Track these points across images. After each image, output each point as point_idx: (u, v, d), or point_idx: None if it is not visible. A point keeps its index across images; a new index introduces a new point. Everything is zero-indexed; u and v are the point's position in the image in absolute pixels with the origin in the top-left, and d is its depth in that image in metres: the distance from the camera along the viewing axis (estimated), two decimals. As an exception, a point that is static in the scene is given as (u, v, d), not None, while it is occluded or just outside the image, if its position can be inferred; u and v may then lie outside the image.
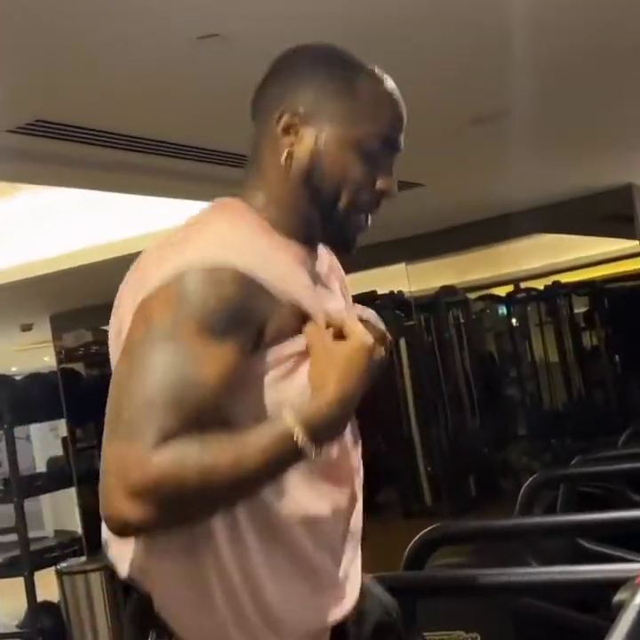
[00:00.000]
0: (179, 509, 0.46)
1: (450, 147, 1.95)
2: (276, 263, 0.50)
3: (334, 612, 0.51)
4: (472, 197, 2.55)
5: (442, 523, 1.02)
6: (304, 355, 0.49)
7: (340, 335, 0.49)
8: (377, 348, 0.50)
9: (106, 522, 0.47)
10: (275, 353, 0.49)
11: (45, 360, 3.82)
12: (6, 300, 2.72)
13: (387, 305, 3.07)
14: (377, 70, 0.54)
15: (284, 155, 0.51)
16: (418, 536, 0.90)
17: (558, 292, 3.56)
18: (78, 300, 2.97)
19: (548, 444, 3.35)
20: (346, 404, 0.48)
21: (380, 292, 3.06)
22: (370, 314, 0.58)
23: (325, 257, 0.58)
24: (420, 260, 3.15)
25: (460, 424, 3.18)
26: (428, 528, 0.91)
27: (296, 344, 0.50)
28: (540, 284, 3.60)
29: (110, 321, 0.54)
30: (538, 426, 3.46)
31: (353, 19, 1.02)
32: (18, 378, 3.02)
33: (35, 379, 3.02)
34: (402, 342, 3.07)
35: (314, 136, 0.51)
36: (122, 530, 0.47)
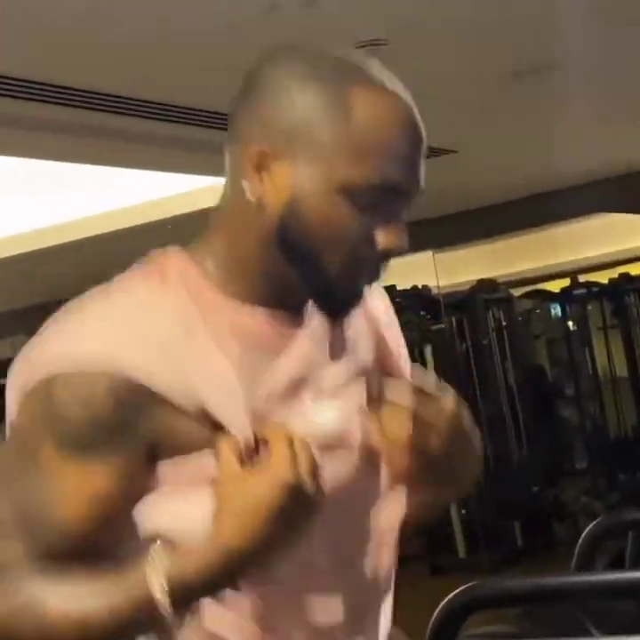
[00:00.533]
0: None
1: (488, 105, 1.96)
2: (186, 352, 0.45)
3: None
4: (515, 168, 2.54)
5: (478, 581, 0.98)
6: (209, 477, 0.45)
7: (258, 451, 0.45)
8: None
9: None
10: (170, 467, 0.46)
11: None
12: None
13: (409, 304, 3.05)
14: (384, 80, 0.46)
15: (253, 203, 0.45)
16: (447, 599, 0.89)
17: (626, 288, 3.51)
18: None
19: (613, 479, 3.34)
20: (239, 559, 0.43)
21: (400, 287, 3.00)
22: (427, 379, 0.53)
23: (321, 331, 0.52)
24: (451, 247, 3.14)
25: (501, 455, 3.13)
26: (461, 588, 0.90)
27: (201, 462, 0.45)
28: (603, 277, 3.55)
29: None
30: (601, 457, 3.42)
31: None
32: None
33: None
34: (427, 350, 3.08)
35: (291, 175, 0.45)
36: None
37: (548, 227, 3.13)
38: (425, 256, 2.93)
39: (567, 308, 3.56)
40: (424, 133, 0.46)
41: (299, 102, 0.45)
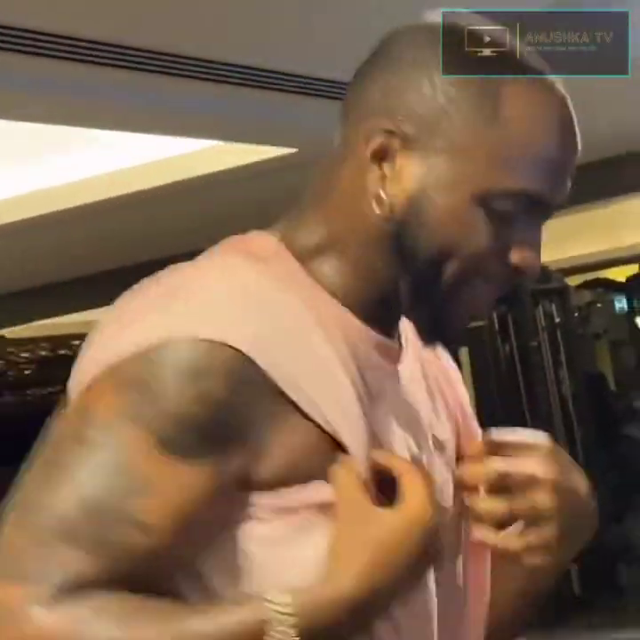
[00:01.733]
0: None
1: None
2: (308, 347, 0.41)
3: None
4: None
5: None
6: (324, 510, 0.41)
7: (391, 491, 0.41)
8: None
9: None
10: (275, 498, 0.40)
11: None
12: None
13: None
14: (542, 70, 0.44)
15: (371, 193, 0.43)
16: None
17: None
18: None
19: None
20: (368, 603, 0.40)
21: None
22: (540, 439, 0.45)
23: (414, 343, 0.50)
24: None
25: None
26: None
27: (315, 491, 0.41)
28: None
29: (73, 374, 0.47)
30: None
31: None
32: None
33: None
34: (463, 353, 2.77)
35: (421, 171, 0.44)
36: None
37: (613, 201, 2.70)
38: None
39: (634, 302, 3.18)
40: (579, 139, 0.45)
41: (442, 87, 0.44)
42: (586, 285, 3.14)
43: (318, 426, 0.40)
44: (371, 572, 0.39)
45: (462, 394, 0.53)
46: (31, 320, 3.62)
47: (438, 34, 0.45)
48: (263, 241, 0.44)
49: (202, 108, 1.96)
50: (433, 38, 0.45)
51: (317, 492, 0.40)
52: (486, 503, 0.44)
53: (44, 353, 3.63)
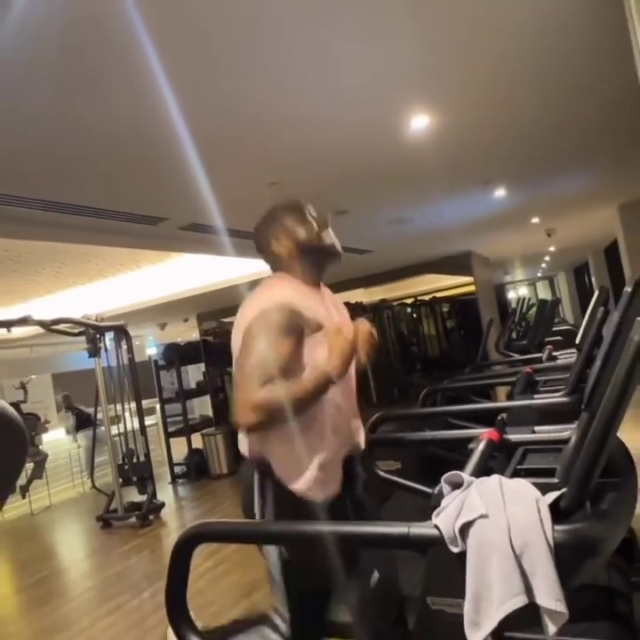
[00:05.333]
0: (275, 416, 1.27)
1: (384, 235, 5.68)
2: (306, 301, 1.40)
3: (352, 442, 1.49)
4: (397, 257, 8.08)
5: (384, 411, 2.21)
6: (321, 342, 1.35)
7: (339, 331, 1.33)
8: (369, 338, 1.41)
9: (241, 428, 1.30)
10: (307, 343, 1.36)
11: (193, 335, 9.80)
12: (176, 307, 7.42)
13: (356, 308, 8.91)
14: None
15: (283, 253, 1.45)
16: (373, 417, 2.12)
17: (435, 301, 9.84)
18: (210, 306, 7.76)
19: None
20: (343, 362, 1.32)
21: (351, 301, 8.78)
22: (364, 322, 1.41)
23: (328, 295, 1.54)
24: (372, 286, 8.95)
25: (389, 363, 9.07)
26: (377, 414, 2.14)
27: (316, 338, 1.37)
28: (426, 297, 9.90)
29: (234, 324, 1.45)
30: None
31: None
32: (181, 343, 8.28)
33: (189, 343, 8.30)
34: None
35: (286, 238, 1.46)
36: (250, 430, 1.31)
37: (406, 278, 9.09)
38: (360, 290, 8.73)
39: (413, 309, 9.77)
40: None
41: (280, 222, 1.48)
42: (399, 305, 9.51)
43: (315, 321, 1.38)
44: (339, 352, 1.33)
45: (340, 305, 1.53)
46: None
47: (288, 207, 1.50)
48: (281, 274, 1.50)
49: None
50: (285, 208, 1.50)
51: (317, 337, 1.37)
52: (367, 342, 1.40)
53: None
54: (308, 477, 1.41)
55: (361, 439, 1.58)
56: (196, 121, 2.28)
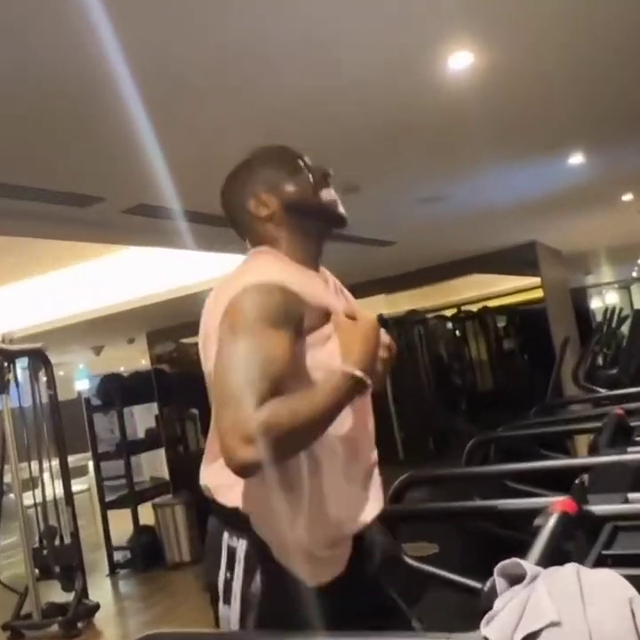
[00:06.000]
0: (281, 446, 1.23)
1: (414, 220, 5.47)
2: (303, 280, 1.42)
3: (362, 517, 1.51)
4: (430, 251, 8.12)
5: (413, 471, 2.21)
6: (328, 338, 1.40)
7: (352, 319, 1.38)
8: (386, 350, 1.54)
9: (233, 470, 1.24)
10: (310, 339, 1.39)
11: (142, 362, 9.75)
12: (118, 323, 7.27)
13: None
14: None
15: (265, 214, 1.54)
16: (397, 480, 2.10)
17: (486, 313, 9.88)
18: (165, 322, 7.76)
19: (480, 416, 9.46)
20: (368, 359, 1.35)
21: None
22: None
23: (331, 279, 1.60)
24: (394, 292, 9.01)
25: (422, 402, 9.06)
26: (404, 475, 2.13)
27: (322, 332, 1.40)
28: (474, 308, 9.94)
29: (201, 323, 1.51)
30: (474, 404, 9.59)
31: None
32: (125, 374, 8.31)
33: (136, 375, 8.37)
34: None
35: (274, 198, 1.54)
36: (246, 471, 1.25)
37: (444, 281, 9.13)
38: (380, 297, 8.75)
39: (454, 324, 9.87)
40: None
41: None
42: (435, 317, 9.52)
43: (319, 306, 1.41)
44: (361, 346, 1.37)
45: (349, 295, 1.64)
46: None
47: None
48: (267, 249, 1.53)
49: None
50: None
51: (323, 331, 1.41)
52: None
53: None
54: (311, 547, 1.43)
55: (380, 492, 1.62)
56: (148, 62, 2.28)
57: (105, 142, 2.85)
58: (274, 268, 1.49)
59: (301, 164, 1.62)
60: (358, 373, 1.36)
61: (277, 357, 1.34)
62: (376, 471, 1.63)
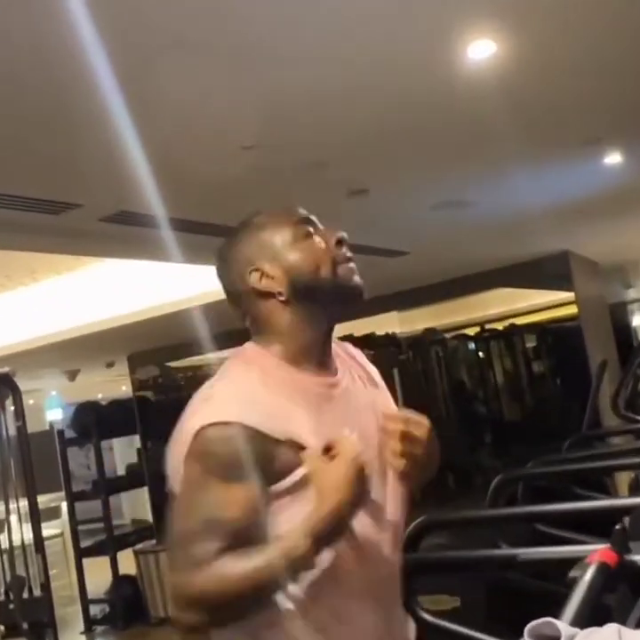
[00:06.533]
0: (222, 612, 1.34)
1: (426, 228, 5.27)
2: (276, 408, 1.40)
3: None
4: (449, 263, 8.07)
5: (430, 514, 2.19)
6: (304, 483, 1.36)
7: (329, 456, 1.32)
8: (421, 444, 1.53)
9: (175, 627, 1.34)
10: (280, 487, 1.38)
11: (123, 389, 9.64)
12: (95, 344, 7.22)
13: (383, 343, 8.91)
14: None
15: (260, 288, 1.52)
16: (413, 524, 2.03)
17: (513, 332, 9.85)
18: (148, 343, 7.77)
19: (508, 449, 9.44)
20: (341, 513, 1.32)
21: (378, 333, 8.75)
22: (410, 416, 1.52)
23: (350, 365, 1.61)
24: (408, 308, 9.01)
25: (440, 433, 9.04)
26: (421, 518, 2.07)
27: (295, 476, 1.37)
28: (499, 326, 9.93)
29: (170, 450, 1.51)
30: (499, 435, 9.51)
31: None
32: (103, 403, 8.34)
33: (116, 403, 8.41)
34: (395, 372, 8.73)
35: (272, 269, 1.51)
36: (187, 632, 1.34)
37: (465, 296, 9.14)
38: (393, 314, 8.76)
39: (478, 345, 9.84)
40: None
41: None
42: (455, 337, 9.56)
43: (292, 441, 1.37)
44: (335, 494, 1.33)
45: (376, 373, 1.64)
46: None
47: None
48: (252, 350, 1.49)
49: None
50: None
51: (300, 471, 1.36)
52: (399, 445, 1.48)
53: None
54: None
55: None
56: (125, 49, 2.30)
57: (84, 140, 2.87)
58: (241, 390, 1.48)
59: (310, 228, 1.59)
60: (306, 545, 1.35)
61: (229, 517, 1.37)
62: (399, 604, 1.66)
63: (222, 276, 1.63)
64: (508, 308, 10.30)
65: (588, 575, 1.30)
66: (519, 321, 10.34)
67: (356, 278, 1.57)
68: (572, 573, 1.31)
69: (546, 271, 7.53)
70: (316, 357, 1.55)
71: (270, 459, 1.40)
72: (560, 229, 6.28)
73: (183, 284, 5.67)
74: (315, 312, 1.54)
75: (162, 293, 5.96)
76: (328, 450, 1.41)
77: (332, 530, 1.36)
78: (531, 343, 10.65)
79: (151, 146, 2.89)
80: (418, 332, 9.41)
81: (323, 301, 1.55)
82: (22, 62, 2.38)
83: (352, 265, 1.58)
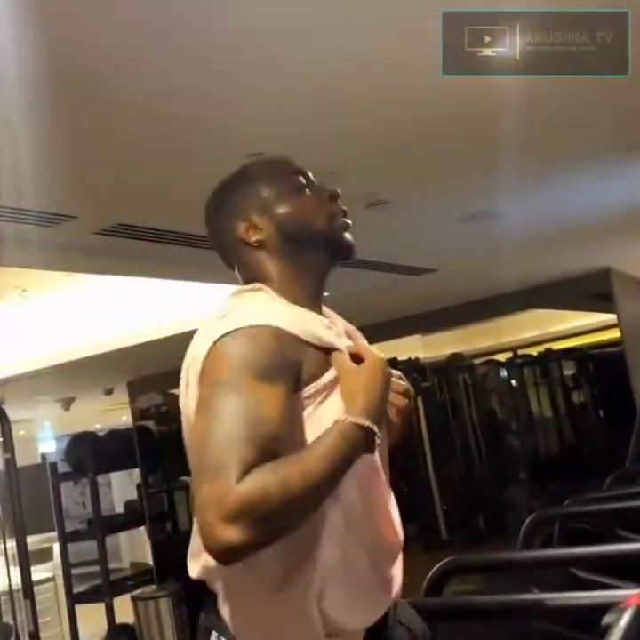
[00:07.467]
0: (271, 524, 1.26)
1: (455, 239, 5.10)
2: (300, 317, 1.49)
3: (373, 613, 1.53)
4: (477, 281, 7.93)
5: (455, 556, 2.30)
6: (332, 385, 1.46)
7: (359, 360, 1.46)
8: (402, 398, 1.59)
9: (211, 553, 1.27)
10: (311, 390, 1.45)
11: (123, 419, 9.67)
12: (92, 370, 7.20)
13: (405, 369, 8.76)
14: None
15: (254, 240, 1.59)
16: (436, 567, 2.19)
17: (550, 358, 9.78)
18: (150, 369, 7.70)
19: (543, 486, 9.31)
20: (374, 407, 1.41)
21: (400, 359, 8.60)
22: (394, 372, 1.53)
23: (341, 322, 1.68)
24: (433, 332, 8.94)
25: (469, 468, 8.88)
26: (444, 561, 2.22)
27: (325, 379, 1.46)
28: (534, 351, 9.88)
29: (180, 382, 1.52)
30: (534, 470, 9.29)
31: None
32: (100, 433, 8.29)
33: (114, 434, 8.37)
34: (419, 400, 8.60)
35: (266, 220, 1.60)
36: (227, 556, 1.27)
37: (495, 318, 9.06)
38: (416, 338, 8.70)
39: (510, 372, 9.77)
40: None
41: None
42: (484, 363, 9.42)
43: (318, 347, 1.46)
44: (366, 391, 1.42)
45: (359, 337, 1.69)
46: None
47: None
48: (259, 287, 1.56)
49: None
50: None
51: (327, 377, 1.46)
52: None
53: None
54: None
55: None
56: (125, 44, 2.32)
57: (79, 146, 2.91)
58: (265, 306, 1.53)
59: (303, 180, 1.65)
60: (362, 422, 1.39)
61: (267, 417, 1.34)
62: (399, 557, 1.65)
63: (212, 226, 1.70)
64: (542, 331, 10.27)
65: (624, 620, 1.27)
66: (556, 346, 10.30)
67: (348, 235, 1.64)
68: (607, 619, 1.32)
69: (585, 290, 7.54)
70: (309, 307, 1.62)
71: (300, 362, 1.45)
72: (600, 244, 6.26)
73: (187, 303, 5.61)
74: (304, 261, 1.62)
75: (164, 313, 5.90)
76: (354, 356, 1.51)
77: (377, 408, 1.45)
78: (569, 370, 10.58)
79: (152, 154, 2.88)
80: (443, 357, 9.40)
81: (313, 253, 1.63)
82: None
83: (347, 220, 1.65)
